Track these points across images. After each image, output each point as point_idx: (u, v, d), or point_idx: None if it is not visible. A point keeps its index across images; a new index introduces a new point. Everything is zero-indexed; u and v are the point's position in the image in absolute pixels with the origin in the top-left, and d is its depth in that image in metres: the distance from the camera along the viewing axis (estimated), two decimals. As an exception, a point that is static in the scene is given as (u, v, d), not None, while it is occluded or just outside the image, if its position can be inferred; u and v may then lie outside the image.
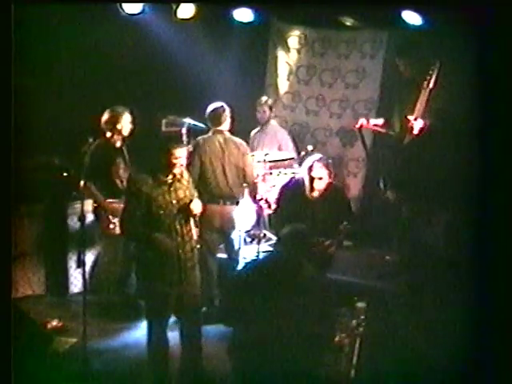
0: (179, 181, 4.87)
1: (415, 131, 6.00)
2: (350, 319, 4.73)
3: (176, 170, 4.79)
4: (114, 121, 6.08)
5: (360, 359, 4.60)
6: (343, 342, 4.64)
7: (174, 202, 4.81)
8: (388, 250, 6.67)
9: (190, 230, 4.92)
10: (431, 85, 5.96)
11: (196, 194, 5.01)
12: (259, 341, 4.14)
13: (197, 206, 4.88)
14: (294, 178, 6.31)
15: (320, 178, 5.68)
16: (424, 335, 4.90)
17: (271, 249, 6.33)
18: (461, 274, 4.92)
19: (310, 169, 5.71)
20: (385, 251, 6.71)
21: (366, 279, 6.13)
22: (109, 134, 6.12)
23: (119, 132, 6.12)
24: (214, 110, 6.13)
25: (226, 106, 6.14)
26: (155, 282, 4.83)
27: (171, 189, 4.81)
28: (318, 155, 5.93)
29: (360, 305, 4.83)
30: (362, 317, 4.75)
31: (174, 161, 4.74)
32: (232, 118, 6.19)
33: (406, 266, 6.14)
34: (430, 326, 4.97)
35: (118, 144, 6.17)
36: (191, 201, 4.87)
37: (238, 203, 6.11)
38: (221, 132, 6.11)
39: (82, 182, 5.96)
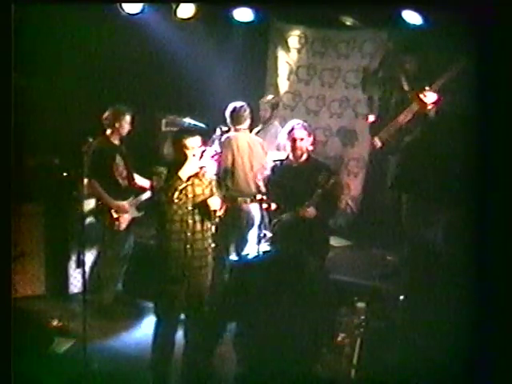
0: (198, 177, 4.88)
1: (428, 102, 5.97)
2: (350, 319, 4.73)
3: (194, 164, 4.80)
4: (115, 118, 6.14)
5: (360, 359, 4.61)
6: (343, 342, 4.65)
7: (190, 195, 4.83)
8: (388, 250, 6.67)
9: (205, 230, 4.92)
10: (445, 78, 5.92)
11: (217, 194, 5.01)
12: (259, 341, 4.13)
13: (215, 202, 4.89)
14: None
15: (301, 139, 5.76)
16: (424, 335, 4.89)
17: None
18: (461, 273, 4.91)
19: (291, 132, 5.79)
20: (385, 251, 6.71)
21: (366, 279, 6.14)
22: (109, 132, 6.17)
23: (118, 130, 6.16)
24: (236, 109, 6.18)
25: (246, 106, 6.20)
26: (160, 278, 4.86)
27: (189, 182, 4.83)
28: (295, 120, 6.03)
29: (360, 305, 4.84)
30: (362, 317, 4.75)
31: (187, 151, 4.77)
32: (252, 117, 6.27)
33: (405, 266, 6.14)
34: (430, 325, 4.96)
35: (117, 142, 6.21)
36: (209, 196, 4.89)
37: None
38: (244, 131, 6.16)
39: (85, 180, 5.98)
